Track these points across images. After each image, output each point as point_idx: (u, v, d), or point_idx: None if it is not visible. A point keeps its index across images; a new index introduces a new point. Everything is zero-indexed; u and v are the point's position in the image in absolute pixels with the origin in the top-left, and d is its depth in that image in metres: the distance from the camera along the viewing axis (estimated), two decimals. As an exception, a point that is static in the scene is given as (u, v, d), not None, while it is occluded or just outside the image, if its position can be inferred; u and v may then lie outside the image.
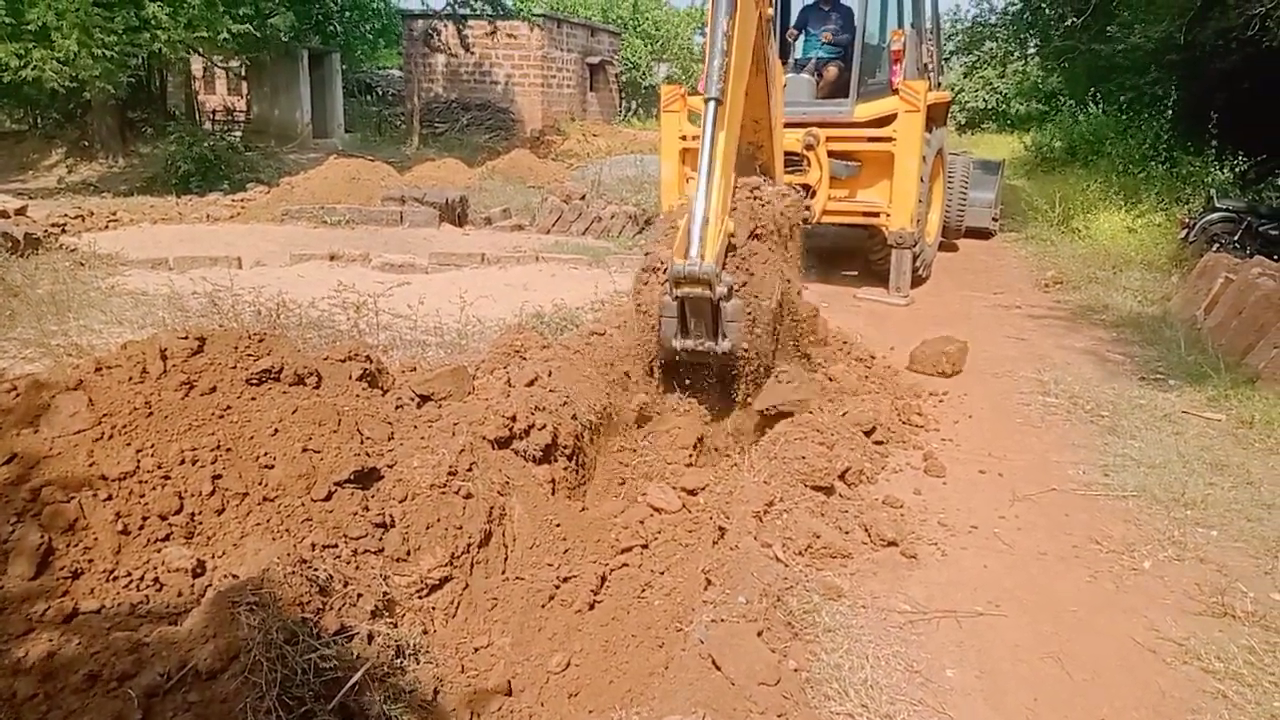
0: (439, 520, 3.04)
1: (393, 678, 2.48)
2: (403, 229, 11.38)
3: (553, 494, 3.62)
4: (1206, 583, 3.51)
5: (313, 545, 2.75)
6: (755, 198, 4.76)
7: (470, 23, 23.44)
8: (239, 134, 21.30)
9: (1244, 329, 6.37)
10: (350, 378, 3.59)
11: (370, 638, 2.53)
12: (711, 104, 4.34)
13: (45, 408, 2.83)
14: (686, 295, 4.24)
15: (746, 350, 4.42)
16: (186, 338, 3.20)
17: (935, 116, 9.21)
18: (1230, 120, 12.77)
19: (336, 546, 2.81)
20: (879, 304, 8.41)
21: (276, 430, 3.00)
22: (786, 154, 8.04)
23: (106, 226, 11.07)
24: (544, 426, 3.63)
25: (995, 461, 4.73)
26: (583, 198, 12.94)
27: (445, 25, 24.15)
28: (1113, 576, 3.60)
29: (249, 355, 3.27)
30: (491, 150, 20.23)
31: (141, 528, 2.65)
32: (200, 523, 2.75)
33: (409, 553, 2.95)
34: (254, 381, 3.19)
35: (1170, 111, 13.98)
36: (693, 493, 4.06)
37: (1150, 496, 4.24)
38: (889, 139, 8.18)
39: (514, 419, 3.54)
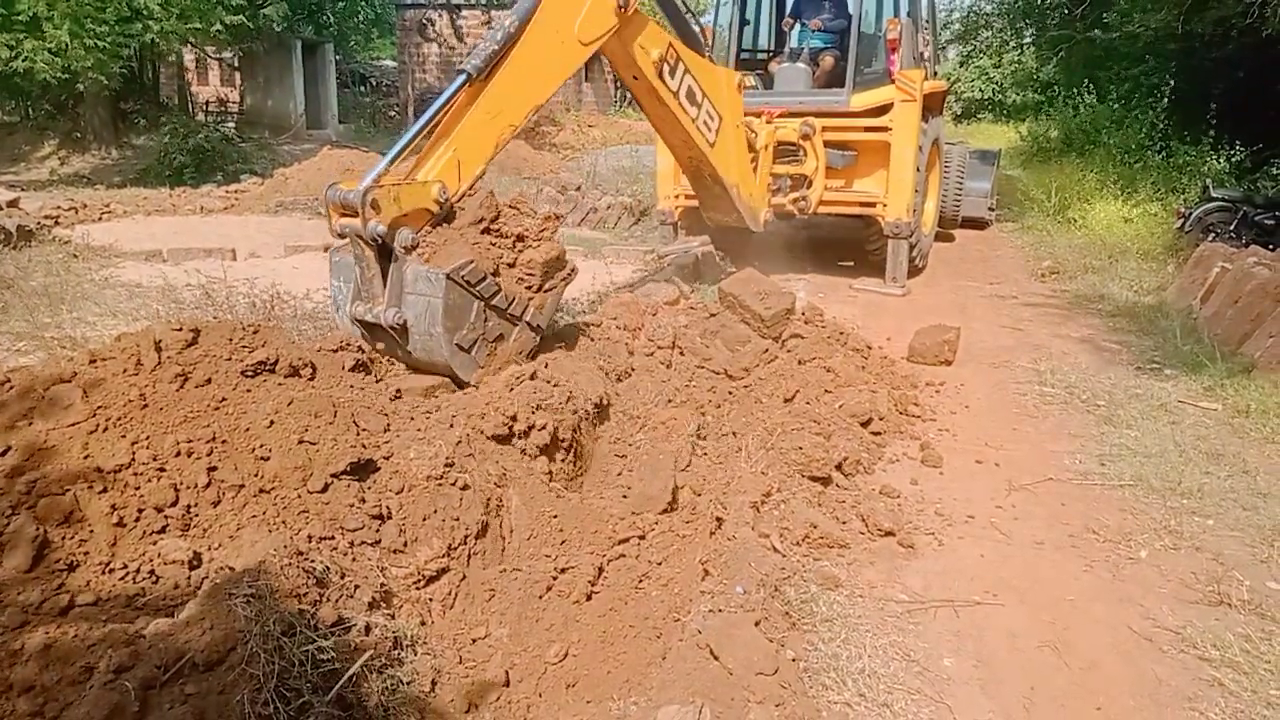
0: (436, 511, 3.03)
1: (390, 669, 2.48)
2: (398, 220, 11.32)
3: (550, 485, 3.62)
4: (1203, 571, 3.52)
5: (309, 537, 2.74)
6: (515, 207, 4.17)
7: (464, 12, 23.35)
8: (232, 125, 21.19)
9: (1240, 318, 6.38)
10: (343, 368, 3.57)
11: (368, 629, 2.53)
12: (461, 75, 4.12)
13: (40, 400, 2.81)
14: (343, 230, 3.73)
15: (425, 336, 3.72)
16: (181, 329, 3.18)
17: (931, 106, 9.20)
18: (1226, 109, 12.78)
19: (333, 538, 2.80)
20: (875, 294, 8.41)
21: (272, 422, 2.98)
22: (783, 144, 8.06)
23: (100, 218, 11.03)
24: (544, 426, 3.62)
25: (992, 451, 4.74)
26: (578, 189, 12.91)
27: (439, 15, 24.04)
28: (1109, 565, 3.61)
29: (244, 347, 3.25)
30: (486, 141, 20.10)
31: (137, 520, 2.63)
32: (196, 515, 2.74)
33: (406, 544, 2.94)
34: (249, 374, 3.17)
35: (1166, 101, 13.98)
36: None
37: (1146, 486, 4.25)
38: (885, 129, 8.17)
39: (514, 419, 3.52)
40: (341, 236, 3.82)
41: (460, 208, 3.97)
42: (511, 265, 4.03)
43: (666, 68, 5.66)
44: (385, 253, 3.77)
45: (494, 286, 3.86)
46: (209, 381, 3.08)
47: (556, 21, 4.53)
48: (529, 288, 4.08)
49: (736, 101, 6.80)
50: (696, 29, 6.32)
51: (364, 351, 3.80)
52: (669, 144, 6.75)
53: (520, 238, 4.04)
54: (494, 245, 3.98)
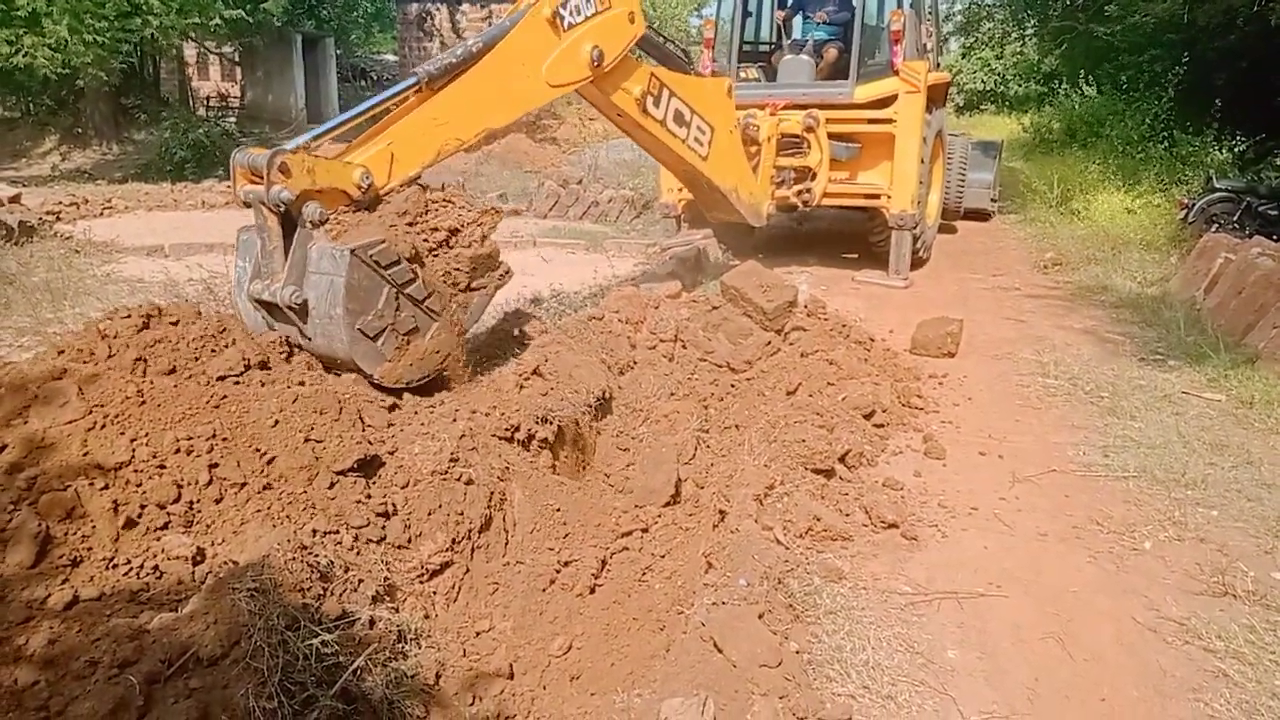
0: (440, 506, 3.03)
1: (394, 662, 2.48)
2: (399, 214, 11.30)
3: (552, 478, 3.62)
4: (1207, 562, 3.51)
5: (313, 532, 2.74)
6: (449, 200, 3.93)
7: (464, 6, 23.29)
8: (233, 120, 21.20)
9: (1243, 309, 6.36)
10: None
11: (371, 623, 2.53)
12: (412, 78, 4.04)
13: (34, 398, 2.80)
14: (247, 197, 3.47)
15: (325, 319, 3.40)
16: (129, 316, 3.15)
17: (935, 97, 9.18)
18: (1230, 100, 12.72)
19: (337, 533, 2.80)
20: (878, 286, 8.40)
21: (277, 421, 2.97)
22: (786, 137, 8.05)
23: (101, 214, 11.02)
24: (545, 438, 3.62)
25: (995, 443, 4.73)
26: (580, 182, 12.90)
27: (439, 9, 23.98)
28: (1113, 557, 3.60)
29: (204, 336, 3.20)
30: (488, 135, 20.10)
31: (140, 516, 2.63)
32: (199, 511, 2.74)
33: (410, 539, 2.94)
34: (222, 378, 3.15)
35: (1169, 92, 13.92)
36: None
37: (1150, 477, 4.24)
38: (889, 120, 8.15)
39: (516, 428, 3.51)
40: (246, 205, 3.53)
41: (386, 200, 3.76)
42: (436, 256, 3.73)
43: (650, 100, 5.57)
44: (292, 228, 3.51)
45: (408, 273, 3.54)
46: (173, 370, 3.06)
47: (522, 55, 4.46)
48: (455, 284, 3.79)
49: (728, 107, 6.74)
50: (677, 52, 6.25)
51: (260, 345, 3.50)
52: (660, 161, 6.71)
53: (454, 230, 3.79)
54: (420, 235, 3.70)
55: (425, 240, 3.71)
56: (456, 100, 4.16)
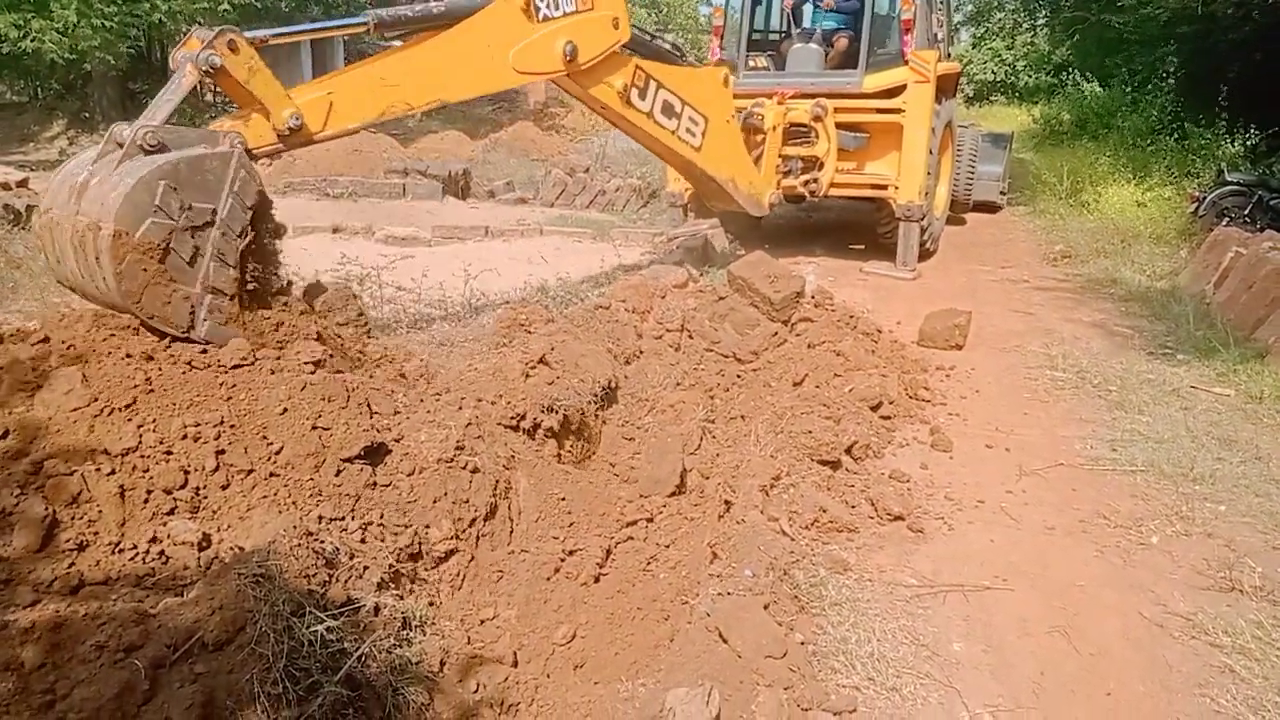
0: (446, 494, 3.02)
1: (399, 649, 2.48)
2: (406, 201, 11.32)
3: (558, 467, 3.61)
4: (1214, 558, 3.50)
5: (319, 518, 2.74)
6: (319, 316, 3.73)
7: (472, -7, 23.18)
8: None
9: (1254, 303, 6.32)
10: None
11: (376, 609, 2.53)
12: (361, 17, 4.02)
13: (37, 385, 2.79)
14: (180, 59, 3.45)
15: (149, 165, 2.90)
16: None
17: (944, 88, 9.12)
18: (1242, 92, 12.61)
19: (343, 519, 2.80)
20: (886, 278, 8.36)
21: (286, 409, 2.96)
22: (794, 126, 8.00)
23: (109, 199, 11.01)
24: (551, 427, 3.61)
25: (1002, 436, 4.72)
26: (586, 171, 12.87)
27: (448, -5, 23.89)
28: (1120, 551, 3.59)
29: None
30: (495, 123, 20.07)
31: (146, 501, 2.63)
32: (205, 497, 2.74)
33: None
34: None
35: (1172, 82, 13.81)
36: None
37: (1158, 471, 4.22)
38: (898, 110, 8.09)
39: (522, 417, 3.51)
40: (171, 71, 3.35)
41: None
42: (256, 279, 3.32)
43: (635, 92, 5.49)
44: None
45: (243, 225, 3.04)
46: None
47: (489, 36, 4.41)
48: (235, 297, 3.18)
49: (724, 98, 6.66)
50: (668, 47, 6.17)
51: None
52: (654, 153, 6.65)
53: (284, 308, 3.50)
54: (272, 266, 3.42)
55: (271, 273, 3.44)
56: (411, 66, 4.12)
